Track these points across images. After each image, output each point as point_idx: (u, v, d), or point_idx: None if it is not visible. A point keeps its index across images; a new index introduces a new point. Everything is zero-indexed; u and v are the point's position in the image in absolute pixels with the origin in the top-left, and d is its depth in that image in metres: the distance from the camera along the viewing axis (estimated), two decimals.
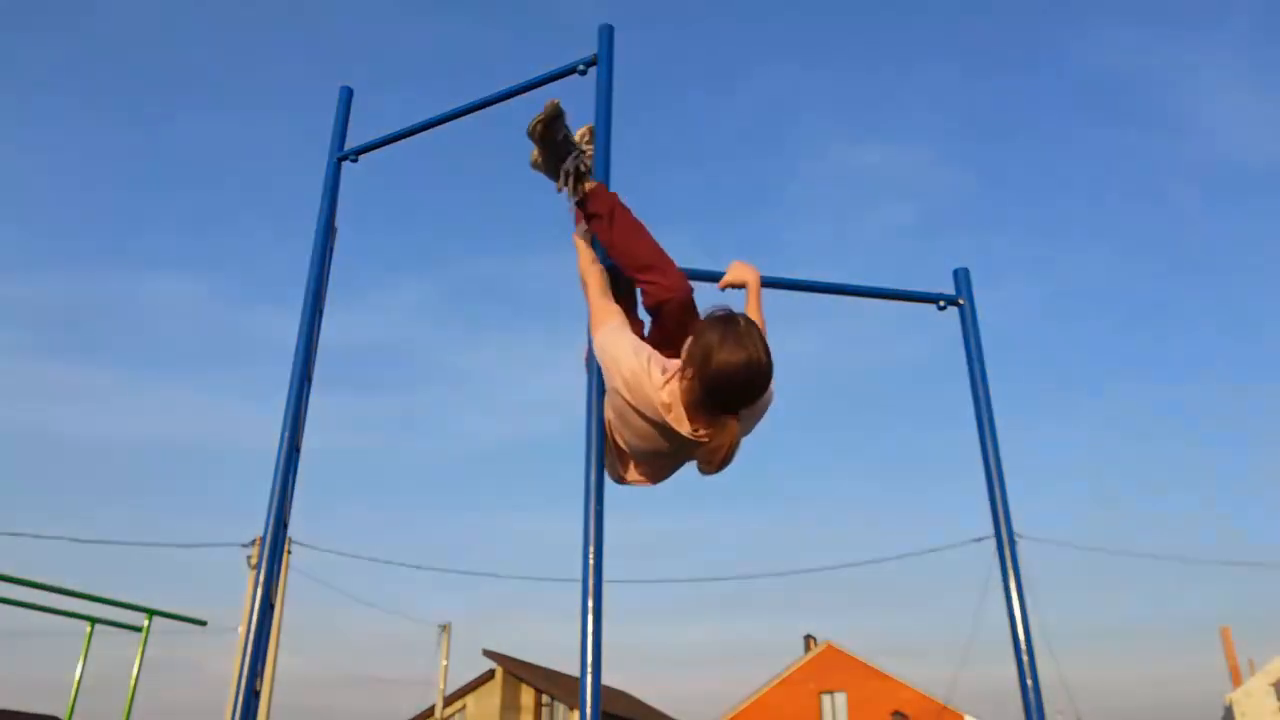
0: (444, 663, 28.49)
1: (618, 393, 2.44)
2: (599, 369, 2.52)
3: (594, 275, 2.62)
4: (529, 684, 33.85)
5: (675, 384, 2.40)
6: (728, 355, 2.32)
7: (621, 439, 2.55)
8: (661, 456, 2.54)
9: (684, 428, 2.40)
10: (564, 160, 2.71)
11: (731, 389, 2.36)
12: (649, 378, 2.39)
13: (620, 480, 2.64)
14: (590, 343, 2.58)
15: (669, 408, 2.39)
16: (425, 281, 53.04)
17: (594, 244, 2.69)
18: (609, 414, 2.54)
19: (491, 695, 33.74)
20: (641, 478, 2.64)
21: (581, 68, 2.83)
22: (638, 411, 2.42)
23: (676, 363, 2.43)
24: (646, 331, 2.67)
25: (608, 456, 2.58)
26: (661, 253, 2.62)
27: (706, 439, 2.42)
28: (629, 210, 2.68)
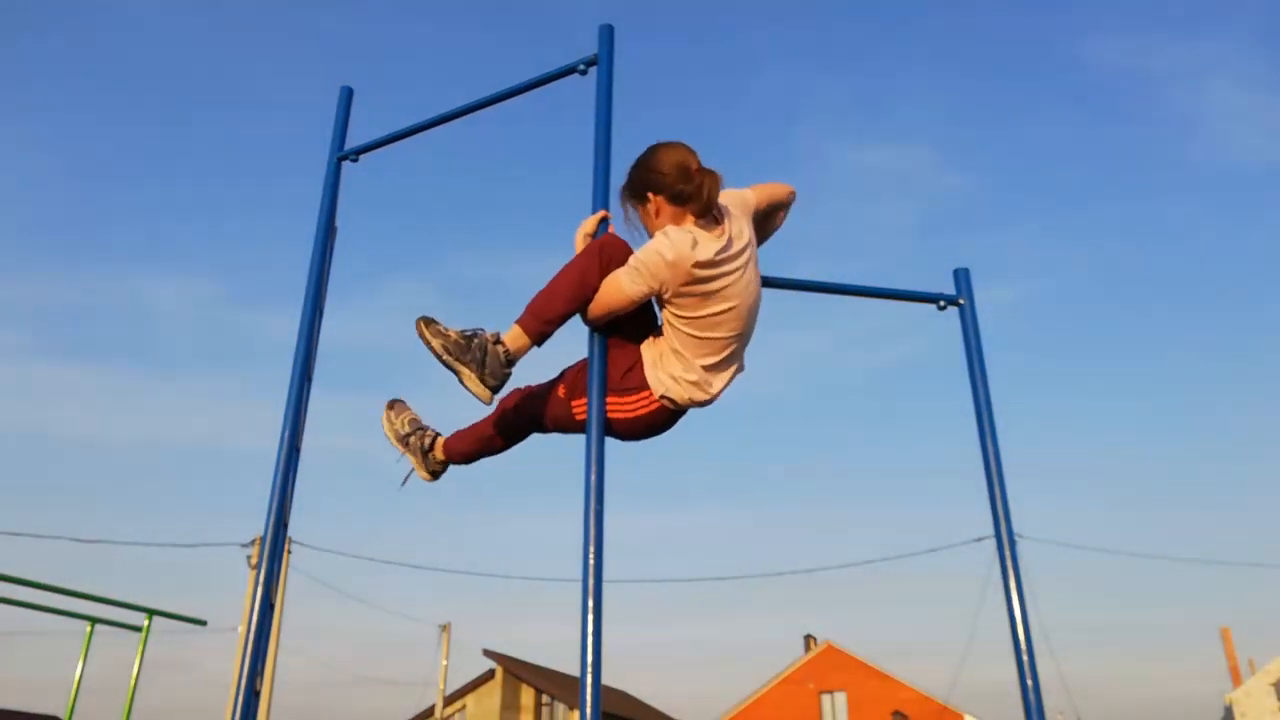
0: (444, 663, 28.51)
1: (690, 278, 2.41)
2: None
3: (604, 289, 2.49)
4: (529, 684, 33.83)
5: (674, 229, 2.47)
6: (663, 146, 2.59)
7: (718, 325, 2.49)
8: (748, 296, 2.53)
9: (717, 235, 2.49)
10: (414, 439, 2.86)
11: (691, 169, 2.51)
12: (676, 232, 2.45)
13: (710, 396, 2.57)
14: (594, 311, 2.50)
15: (695, 239, 2.44)
16: (424, 281, 53.01)
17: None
18: (689, 330, 2.48)
19: (491, 695, 33.73)
20: (729, 369, 2.60)
21: (581, 68, 2.82)
22: (708, 269, 2.43)
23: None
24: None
25: (703, 382, 2.53)
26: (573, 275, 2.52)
27: (733, 226, 2.53)
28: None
